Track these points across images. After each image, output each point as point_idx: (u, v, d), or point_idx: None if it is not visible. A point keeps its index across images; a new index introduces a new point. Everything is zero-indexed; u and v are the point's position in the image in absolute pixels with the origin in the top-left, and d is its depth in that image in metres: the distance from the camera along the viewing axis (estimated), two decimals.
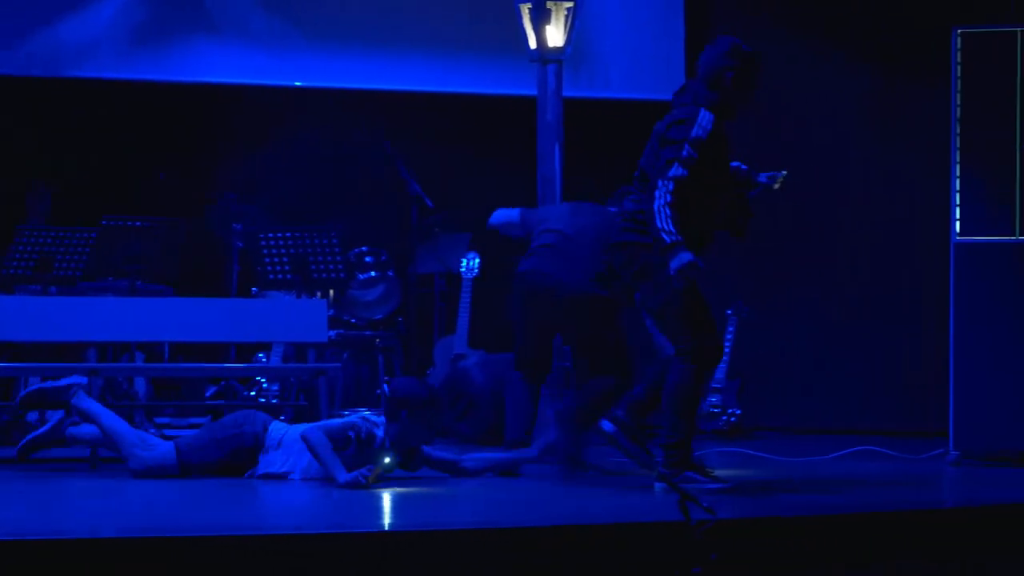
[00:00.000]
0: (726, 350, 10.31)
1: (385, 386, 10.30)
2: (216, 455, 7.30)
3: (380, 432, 7.24)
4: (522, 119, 9.28)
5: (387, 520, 6.12)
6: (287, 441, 7.34)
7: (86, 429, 7.47)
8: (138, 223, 9.73)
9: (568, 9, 8.70)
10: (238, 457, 7.32)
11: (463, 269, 10.53)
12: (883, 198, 10.95)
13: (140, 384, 9.90)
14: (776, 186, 7.30)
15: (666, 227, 6.75)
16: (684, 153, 6.79)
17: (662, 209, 6.76)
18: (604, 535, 5.72)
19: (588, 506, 6.67)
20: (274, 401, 9.99)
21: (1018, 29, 8.48)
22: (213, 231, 10.66)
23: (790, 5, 11.17)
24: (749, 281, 11.01)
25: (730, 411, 10.53)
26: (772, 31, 10.89)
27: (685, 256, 6.72)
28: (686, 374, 6.96)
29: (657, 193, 6.80)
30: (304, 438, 7.16)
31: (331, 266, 9.90)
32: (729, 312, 10.61)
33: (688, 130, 6.83)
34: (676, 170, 6.79)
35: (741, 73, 6.96)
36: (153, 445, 7.37)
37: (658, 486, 6.96)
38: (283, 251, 9.86)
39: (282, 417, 8.55)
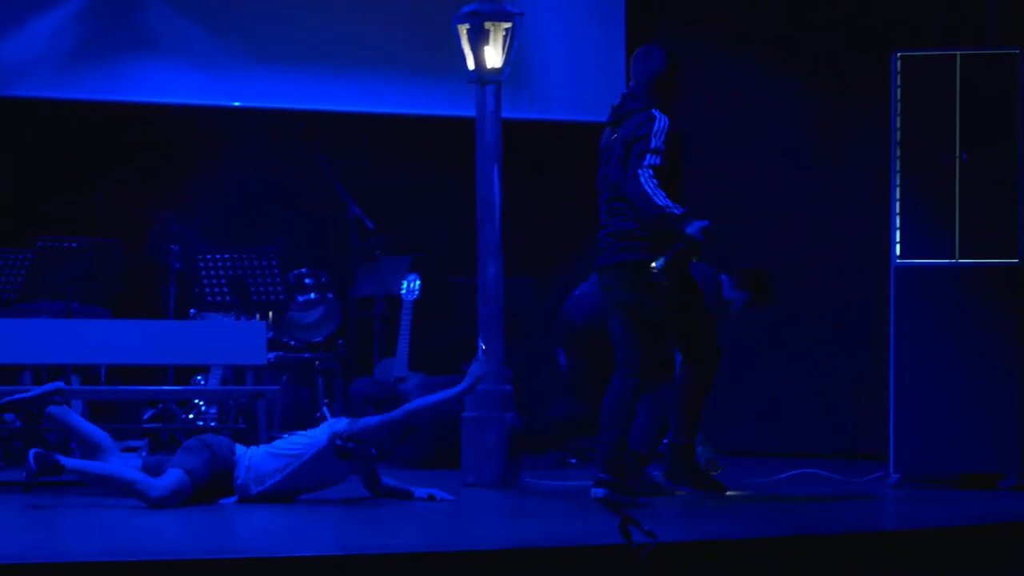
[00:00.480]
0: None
1: (325, 408, 10.24)
2: (204, 475, 7.28)
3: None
4: (462, 140, 9.24)
5: (329, 544, 6.06)
6: (254, 463, 7.39)
7: (72, 416, 7.49)
8: (74, 244, 9.62)
9: (506, 30, 8.65)
10: (216, 479, 7.33)
11: (404, 291, 10.49)
12: (825, 221, 10.97)
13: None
14: (654, 268, 7.30)
15: (667, 203, 7.23)
16: (653, 144, 7.34)
17: (656, 191, 7.26)
18: (547, 559, 5.68)
19: (531, 529, 6.64)
20: (213, 424, 9.91)
21: (957, 53, 8.52)
22: (151, 252, 10.56)
23: (733, 26, 11.18)
24: None
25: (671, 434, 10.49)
26: (715, 52, 10.90)
27: (700, 222, 7.21)
28: (701, 374, 7.73)
29: (642, 180, 7.28)
30: (405, 411, 7.43)
31: (270, 288, 9.84)
32: None
33: (652, 126, 7.39)
34: (651, 159, 7.33)
35: (681, 74, 7.66)
36: (150, 478, 7.25)
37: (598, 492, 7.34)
38: (222, 273, 9.80)
39: None
